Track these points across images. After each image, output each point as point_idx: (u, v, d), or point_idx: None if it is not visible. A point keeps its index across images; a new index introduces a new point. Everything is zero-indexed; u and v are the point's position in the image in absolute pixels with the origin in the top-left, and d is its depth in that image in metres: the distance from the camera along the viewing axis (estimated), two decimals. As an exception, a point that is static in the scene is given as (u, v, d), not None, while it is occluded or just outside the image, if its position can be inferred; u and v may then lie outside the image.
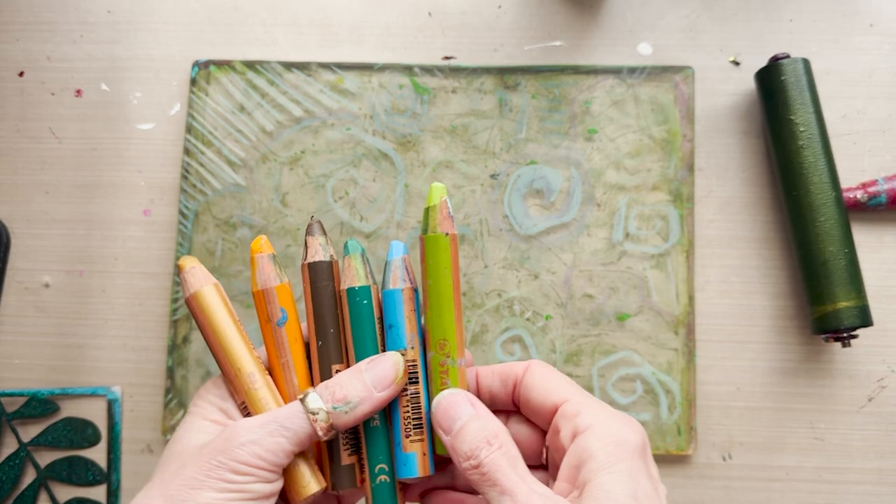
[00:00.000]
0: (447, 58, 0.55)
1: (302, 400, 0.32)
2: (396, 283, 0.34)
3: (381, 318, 0.34)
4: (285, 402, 0.34)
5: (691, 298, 0.51)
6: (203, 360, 0.52)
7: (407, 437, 0.33)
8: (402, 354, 0.33)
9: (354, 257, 0.34)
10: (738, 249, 0.53)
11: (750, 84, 0.54)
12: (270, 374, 0.35)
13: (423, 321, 0.34)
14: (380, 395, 0.32)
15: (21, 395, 0.52)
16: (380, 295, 0.34)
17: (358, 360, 0.34)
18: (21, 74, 0.56)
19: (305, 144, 0.54)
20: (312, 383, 0.35)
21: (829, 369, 0.52)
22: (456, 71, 0.54)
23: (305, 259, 0.34)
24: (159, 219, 0.54)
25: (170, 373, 0.52)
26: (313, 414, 0.32)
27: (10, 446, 0.52)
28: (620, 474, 0.29)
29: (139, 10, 0.57)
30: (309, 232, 0.35)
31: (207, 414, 0.34)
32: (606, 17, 0.55)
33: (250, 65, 0.55)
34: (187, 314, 0.52)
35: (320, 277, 0.34)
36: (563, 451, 0.31)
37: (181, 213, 0.53)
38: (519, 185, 0.53)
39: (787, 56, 0.51)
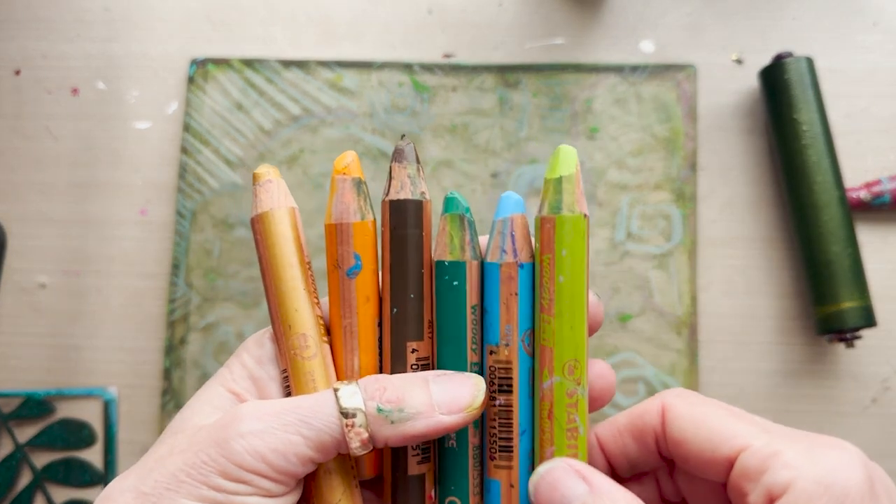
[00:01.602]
0: (447, 55, 0.55)
1: (336, 391, 0.24)
2: (495, 254, 0.26)
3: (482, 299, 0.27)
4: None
5: (694, 299, 0.51)
6: (200, 362, 0.52)
7: (492, 459, 0.26)
8: (493, 352, 0.26)
9: (452, 219, 0.26)
10: (741, 249, 0.52)
11: (753, 82, 0.53)
12: (330, 340, 0.26)
13: (536, 317, 0.26)
14: (443, 419, 0.24)
15: (17, 395, 0.52)
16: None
17: (439, 351, 0.26)
18: (17, 73, 0.56)
19: (304, 143, 0.54)
20: (381, 361, 0.26)
21: (832, 370, 0.51)
22: (456, 69, 0.54)
23: (387, 195, 0.26)
24: (156, 218, 0.54)
25: (166, 374, 0.51)
26: (346, 416, 0.23)
27: (7, 447, 0.52)
28: None
29: (136, 8, 0.56)
30: (395, 157, 0.26)
31: (231, 382, 0.25)
32: (608, 15, 0.55)
33: (248, 63, 0.54)
34: (184, 315, 0.52)
35: (403, 222, 0.25)
36: None
37: (178, 212, 0.53)
38: (520, 184, 0.53)
39: (791, 54, 0.50)
